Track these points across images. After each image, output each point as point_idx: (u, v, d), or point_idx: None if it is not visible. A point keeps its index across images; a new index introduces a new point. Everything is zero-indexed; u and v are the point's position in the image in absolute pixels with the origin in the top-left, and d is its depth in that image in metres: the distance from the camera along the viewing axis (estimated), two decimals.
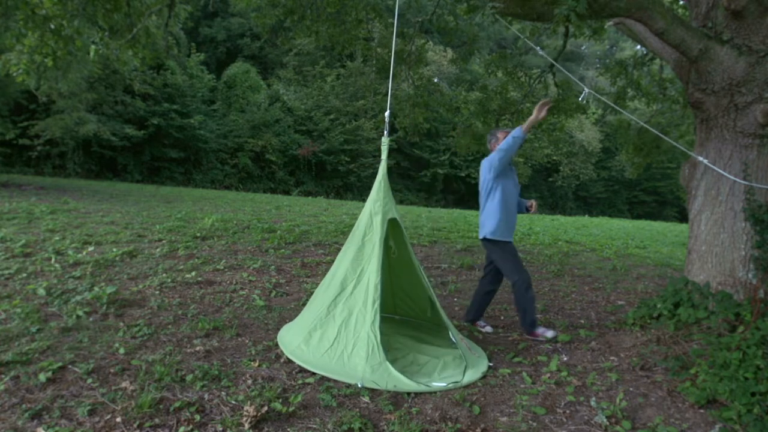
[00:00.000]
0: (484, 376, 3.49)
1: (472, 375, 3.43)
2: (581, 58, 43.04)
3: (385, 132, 3.76)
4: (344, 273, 3.63)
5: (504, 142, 4.04)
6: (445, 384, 3.30)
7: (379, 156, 3.75)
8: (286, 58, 28.59)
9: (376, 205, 3.66)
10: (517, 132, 3.97)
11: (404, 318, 4.54)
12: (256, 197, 16.00)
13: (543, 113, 3.95)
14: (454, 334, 3.78)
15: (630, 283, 6.57)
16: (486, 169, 4.21)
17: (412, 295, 4.39)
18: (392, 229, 3.80)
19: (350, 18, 7.78)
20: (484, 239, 4.25)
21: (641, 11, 3.72)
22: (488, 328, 4.47)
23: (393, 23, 8.87)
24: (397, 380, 3.19)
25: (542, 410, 3.04)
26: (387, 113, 3.88)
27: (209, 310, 4.34)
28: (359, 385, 3.13)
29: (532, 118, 3.95)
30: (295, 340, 3.62)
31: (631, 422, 2.92)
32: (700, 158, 4.02)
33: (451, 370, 3.50)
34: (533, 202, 4.57)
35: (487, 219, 4.22)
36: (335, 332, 3.45)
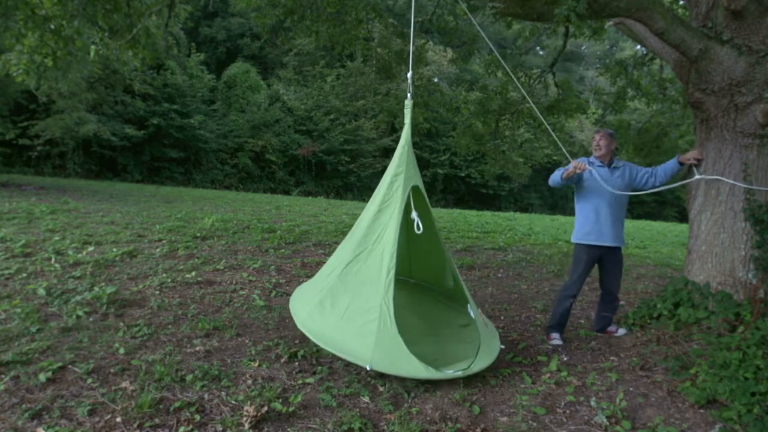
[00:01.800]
0: (494, 362, 3.45)
1: (482, 362, 3.35)
2: (581, 58, 43.05)
3: (409, 94, 3.66)
4: (359, 239, 3.45)
5: (552, 177, 4.24)
6: (452, 372, 3.22)
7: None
8: (286, 58, 28.57)
9: (398, 171, 3.47)
10: (556, 174, 4.19)
11: (418, 282, 4.43)
12: (256, 197, 16.00)
13: (579, 169, 4.03)
14: (473, 308, 3.67)
15: (630, 283, 6.57)
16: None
17: (431, 265, 4.25)
18: (415, 197, 3.56)
19: (350, 18, 7.77)
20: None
21: (641, 11, 3.72)
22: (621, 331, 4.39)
23: (393, 23, 8.88)
24: (409, 361, 3.04)
25: (542, 410, 3.04)
26: (409, 74, 3.76)
27: (209, 310, 4.34)
28: (368, 368, 3.01)
29: (570, 169, 4.05)
30: (306, 308, 3.46)
31: (631, 422, 2.92)
32: (698, 175, 4.01)
33: (464, 355, 3.42)
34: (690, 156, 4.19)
35: (575, 223, 4.31)
36: (347, 301, 3.28)
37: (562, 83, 9.18)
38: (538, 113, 5.58)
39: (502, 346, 3.64)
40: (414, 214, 3.46)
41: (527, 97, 5.05)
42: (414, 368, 3.05)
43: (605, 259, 4.25)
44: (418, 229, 3.45)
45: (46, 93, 13.63)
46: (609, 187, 4.08)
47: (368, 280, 3.26)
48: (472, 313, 3.68)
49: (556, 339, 4.24)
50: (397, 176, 3.46)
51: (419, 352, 3.28)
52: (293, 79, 27.73)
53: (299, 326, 3.38)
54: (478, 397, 3.19)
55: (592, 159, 4.23)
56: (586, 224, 4.18)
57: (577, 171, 4.00)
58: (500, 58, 5.23)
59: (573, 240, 4.27)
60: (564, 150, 4.35)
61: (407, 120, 3.58)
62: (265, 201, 14.38)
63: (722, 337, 3.51)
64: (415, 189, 3.51)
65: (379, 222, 3.41)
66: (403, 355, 3.06)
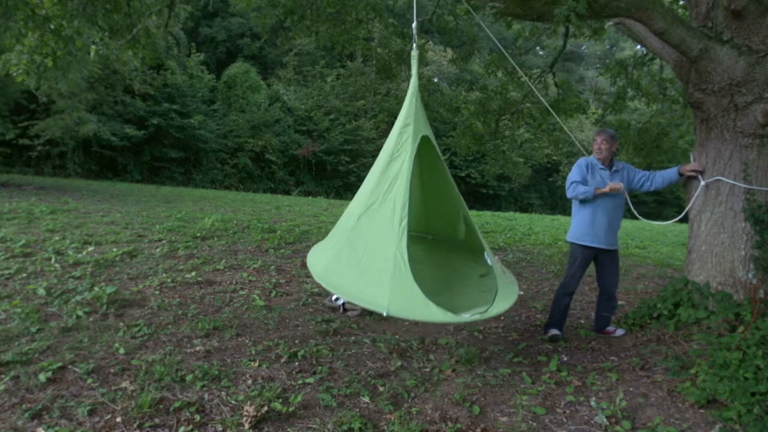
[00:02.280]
0: (511, 307, 3.45)
1: (499, 307, 3.33)
2: (581, 58, 43.03)
3: (414, 44, 3.67)
4: (370, 190, 3.44)
5: (577, 188, 4.14)
6: (469, 315, 3.21)
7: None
8: (286, 58, 28.57)
9: (406, 122, 3.44)
10: (588, 194, 4.08)
11: (437, 237, 4.40)
12: (256, 197, 16.00)
13: (614, 189, 4.04)
14: (489, 255, 3.67)
15: (630, 283, 6.57)
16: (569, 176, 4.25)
17: (445, 215, 4.23)
18: (425, 147, 3.53)
19: (350, 18, 7.77)
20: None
21: (641, 11, 3.72)
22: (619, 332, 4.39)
23: (393, 23, 8.88)
24: (425, 306, 3.02)
25: (542, 410, 3.04)
26: (414, 24, 3.73)
27: (209, 310, 4.34)
28: (385, 314, 2.97)
29: (605, 189, 4.04)
30: (323, 262, 3.47)
31: (631, 422, 2.92)
32: (704, 181, 4.00)
33: (482, 302, 3.41)
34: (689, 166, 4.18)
35: (572, 222, 4.32)
36: (362, 252, 3.27)
37: (562, 83, 9.18)
38: (548, 107, 5.57)
39: (521, 293, 3.63)
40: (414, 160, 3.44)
41: (534, 90, 5.04)
42: (431, 313, 3.01)
43: (600, 258, 4.26)
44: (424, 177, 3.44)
45: (46, 93, 13.60)
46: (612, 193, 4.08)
47: (381, 230, 3.25)
48: (489, 261, 3.66)
49: (553, 331, 4.27)
50: (407, 127, 3.43)
51: (438, 303, 3.24)
52: (293, 79, 27.72)
53: (317, 279, 3.38)
54: (478, 397, 3.19)
55: (593, 160, 4.21)
56: (582, 226, 4.19)
57: (613, 192, 4.04)
58: (505, 54, 5.21)
59: (568, 239, 4.31)
60: (578, 144, 4.36)
61: (414, 71, 3.57)
62: (265, 201, 14.38)
63: (722, 337, 3.51)
64: (425, 139, 3.48)
65: (389, 172, 3.38)
66: (420, 301, 3.03)
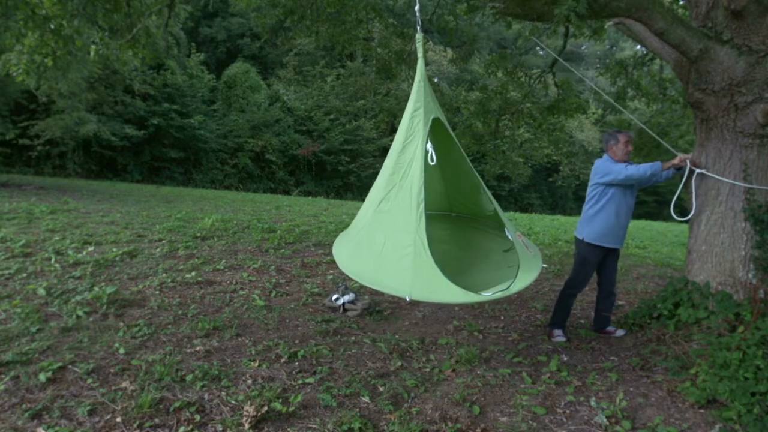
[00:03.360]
0: (534, 281, 3.43)
1: (522, 282, 3.32)
2: (581, 58, 43.01)
3: (418, 27, 3.66)
4: (387, 178, 3.45)
5: (641, 168, 3.96)
6: (491, 293, 3.20)
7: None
8: (286, 58, 28.57)
9: (416, 106, 3.44)
10: (656, 167, 3.93)
11: (460, 215, 4.38)
12: (256, 197, 16.00)
13: (684, 162, 3.99)
14: (510, 231, 3.64)
15: (630, 283, 6.57)
16: (599, 174, 4.11)
17: (466, 192, 4.22)
18: (437, 128, 3.52)
19: (350, 18, 7.77)
20: (575, 238, 4.28)
21: (641, 11, 3.72)
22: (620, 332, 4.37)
23: (393, 23, 8.88)
24: (447, 288, 3.02)
25: (542, 410, 3.04)
26: (417, 6, 3.70)
27: (209, 310, 4.34)
28: (407, 299, 2.99)
29: (675, 161, 3.99)
30: (347, 251, 3.53)
31: (631, 422, 2.92)
32: (698, 170, 4.01)
33: (505, 276, 3.40)
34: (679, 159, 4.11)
35: (586, 223, 4.18)
36: (382, 239, 3.30)
37: (562, 83, 9.18)
38: (584, 74, 5.56)
39: (545, 265, 3.60)
40: (428, 146, 3.39)
41: (556, 59, 5.02)
42: (453, 294, 3.02)
43: (607, 258, 4.25)
44: (432, 160, 3.39)
45: (46, 93, 13.60)
46: (632, 188, 4.08)
47: (400, 216, 3.26)
48: (510, 236, 3.63)
49: (559, 336, 4.25)
50: (417, 111, 3.43)
51: (464, 282, 3.26)
52: (293, 79, 27.72)
53: (342, 269, 3.43)
54: (478, 397, 3.19)
55: (610, 158, 4.14)
56: (605, 226, 4.07)
57: (682, 164, 3.98)
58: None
59: (588, 240, 4.12)
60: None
61: (420, 54, 3.57)
62: (265, 201, 14.38)
63: (722, 337, 3.51)
64: (436, 121, 3.47)
65: (404, 158, 3.39)
66: (441, 283, 3.03)
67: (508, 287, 3.25)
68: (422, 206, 3.19)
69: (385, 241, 3.29)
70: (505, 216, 3.81)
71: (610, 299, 4.38)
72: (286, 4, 7.32)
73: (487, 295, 3.19)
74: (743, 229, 3.85)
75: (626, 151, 4.10)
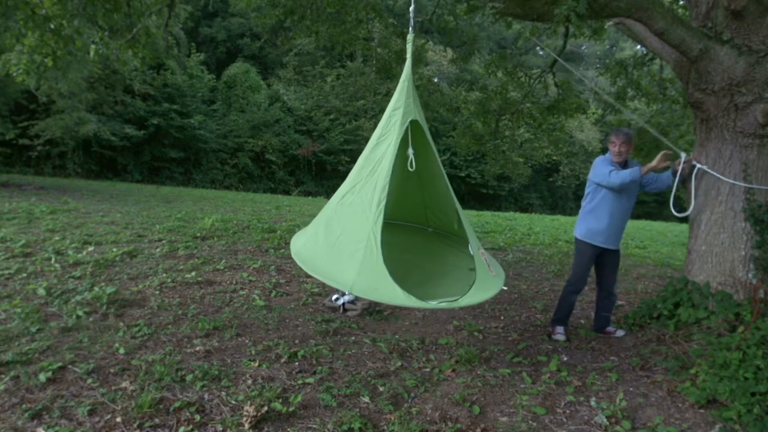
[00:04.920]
0: (487, 300, 3.42)
1: (473, 297, 3.29)
2: (581, 58, 43.00)
3: (410, 28, 3.67)
4: (356, 173, 3.46)
5: (621, 175, 3.91)
6: (436, 302, 3.18)
7: None
8: (286, 58, 28.57)
9: (396, 105, 3.44)
10: (635, 174, 3.88)
11: (436, 230, 4.39)
12: (256, 197, 16.00)
13: (662, 162, 3.95)
14: (473, 247, 3.61)
15: (630, 283, 6.57)
16: (593, 171, 4.12)
17: (441, 207, 4.23)
18: (414, 132, 3.50)
19: (350, 18, 7.77)
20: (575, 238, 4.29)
21: (641, 11, 3.72)
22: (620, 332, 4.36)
23: (393, 23, 8.88)
24: (391, 288, 3.02)
25: (542, 410, 3.04)
26: (411, 7, 3.69)
27: (209, 310, 4.34)
28: (347, 292, 3.00)
29: (653, 164, 3.93)
30: (302, 239, 3.54)
31: (631, 422, 2.92)
32: (699, 165, 4.02)
33: (457, 290, 3.38)
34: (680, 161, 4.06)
35: (580, 220, 4.23)
36: (339, 231, 3.32)
37: (562, 83, 9.18)
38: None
39: (504, 288, 3.55)
40: (409, 151, 3.43)
41: (556, 59, 5.01)
42: (394, 295, 3.01)
43: (605, 258, 4.24)
44: (411, 167, 3.41)
45: (46, 93, 13.61)
46: (627, 189, 3.99)
47: (360, 211, 3.27)
48: (471, 251, 3.60)
49: (560, 333, 4.26)
50: (396, 110, 3.43)
51: (422, 292, 3.26)
52: (293, 79, 27.73)
53: (293, 256, 3.44)
54: (478, 397, 3.19)
55: (608, 157, 4.09)
56: (597, 225, 4.10)
57: (660, 165, 3.92)
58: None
59: (579, 236, 4.19)
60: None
61: (408, 55, 3.58)
62: (265, 201, 14.38)
63: (722, 337, 3.51)
64: (414, 123, 3.46)
65: (374, 155, 3.40)
66: (386, 283, 3.03)
67: (456, 300, 3.23)
68: (382, 204, 3.20)
69: (341, 234, 3.30)
70: (471, 231, 3.78)
71: (610, 299, 4.37)
72: (286, 4, 7.32)
73: (433, 303, 3.15)
74: (743, 229, 3.85)
75: (616, 152, 4.04)
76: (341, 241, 3.28)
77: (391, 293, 3.01)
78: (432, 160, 3.72)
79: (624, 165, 4.09)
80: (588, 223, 4.15)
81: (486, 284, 3.42)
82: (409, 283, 3.32)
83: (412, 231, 4.19)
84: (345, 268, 3.14)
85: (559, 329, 4.29)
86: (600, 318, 4.42)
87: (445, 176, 3.75)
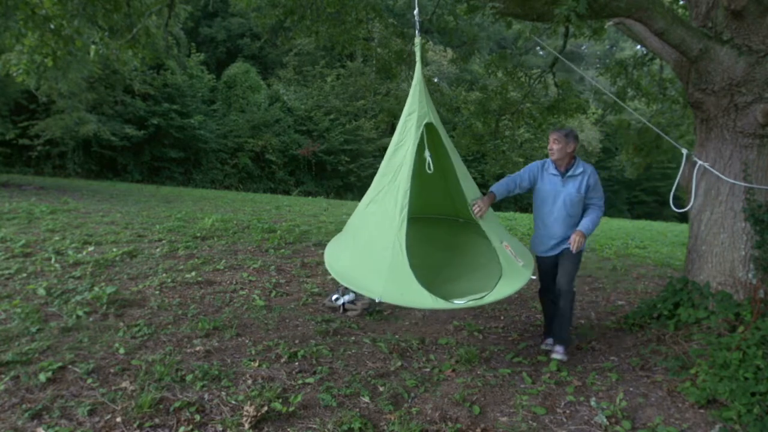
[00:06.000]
0: (515, 293, 3.40)
1: (500, 292, 3.28)
2: (581, 58, 42.99)
3: (417, 32, 3.69)
4: (377, 181, 3.51)
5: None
6: (464, 302, 3.21)
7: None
8: (286, 58, 28.57)
9: (410, 110, 3.45)
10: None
11: (467, 221, 4.31)
12: (256, 197, 16.00)
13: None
14: (495, 241, 3.53)
15: (630, 283, 6.57)
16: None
17: (465, 201, 4.28)
18: (430, 134, 3.49)
19: (350, 18, 7.77)
20: None
21: (641, 11, 3.72)
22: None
23: (393, 23, 8.88)
24: (418, 293, 3.05)
25: (542, 410, 3.04)
26: (416, 11, 3.69)
27: (209, 310, 4.34)
28: (377, 300, 3.05)
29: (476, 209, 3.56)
30: (333, 250, 3.63)
31: (631, 422, 2.92)
32: (700, 162, 4.02)
33: (488, 284, 3.39)
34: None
35: None
36: (365, 240, 3.39)
37: (562, 83, 9.18)
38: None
39: (533, 277, 3.52)
40: (426, 154, 3.42)
41: (558, 57, 5.01)
42: (422, 299, 3.04)
43: (559, 259, 3.83)
44: (429, 169, 3.42)
45: (46, 93, 13.60)
46: (560, 196, 3.72)
47: (384, 219, 3.31)
48: (494, 244, 3.55)
49: (547, 342, 3.99)
50: (410, 115, 3.44)
51: (456, 289, 3.32)
52: (293, 79, 27.73)
53: (327, 266, 3.53)
54: (478, 397, 3.19)
55: (549, 161, 3.81)
56: (535, 233, 3.98)
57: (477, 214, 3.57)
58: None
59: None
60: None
61: (418, 58, 3.61)
62: (265, 201, 14.38)
63: (722, 337, 3.51)
64: (429, 126, 3.47)
65: (394, 162, 3.42)
66: (413, 287, 3.07)
67: (483, 297, 3.24)
68: (405, 211, 3.23)
69: (367, 243, 3.36)
70: (496, 223, 3.78)
71: (562, 303, 3.79)
72: (286, 4, 7.31)
73: (459, 303, 3.19)
74: (743, 229, 3.85)
75: (549, 149, 3.78)
76: (368, 249, 3.32)
77: (419, 298, 3.05)
78: (451, 159, 3.71)
79: (564, 165, 3.74)
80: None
81: (513, 276, 3.42)
82: (439, 280, 3.34)
83: (442, 224, 4.20)
84: (374, 276, 3.18)
85: (546, 341, 4.03)
86: (550, 329, 4.03)
87: (466, 172, 3.76)
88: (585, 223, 3.71)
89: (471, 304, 3.20)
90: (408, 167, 3.31)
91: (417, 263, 3.31)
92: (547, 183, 3.81)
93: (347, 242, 3.59)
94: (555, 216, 3.78)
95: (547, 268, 3.91)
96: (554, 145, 3.71)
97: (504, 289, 3.32)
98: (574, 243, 3.63)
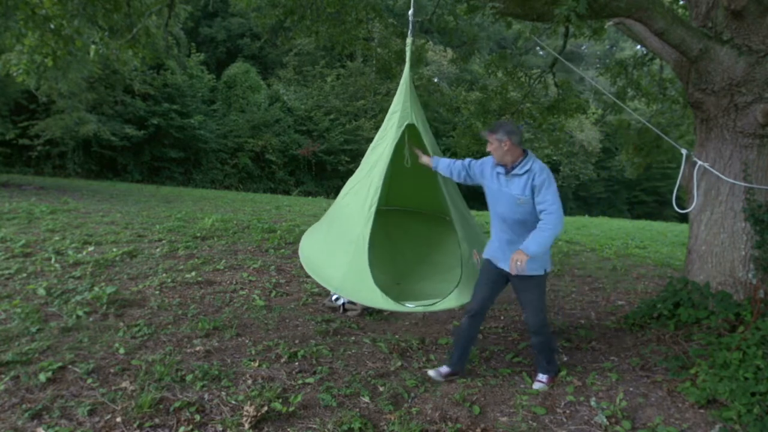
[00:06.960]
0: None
1: (451, 301, 3.26)
2: (581, 58, 42.98)
3: (410, 32, 3.73)
4: (356, 173, 3.57)
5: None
6: (413, 306, 3.23)
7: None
8: (286, 58, 28.57)
9: (394, 109, 3.50)
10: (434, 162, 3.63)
11: (452, 219, 4.38)
12: (256, 197, 16.00)
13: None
14: (465, 248, 3.48)
15: (630, 283, 6.57)
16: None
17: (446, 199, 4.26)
18: (411, 135, 3.50)
19: (350, 18, 7.77)
20: None
21: (641, 11, 3.72)
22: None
23: (393, 23, 8.88)
24: (371, 290, 3.09)
25: (542, 410, 3.04)
26: (410, 12, 3.71)
27: (209, 310, 4.34)
28: (332, 292, 3.13)
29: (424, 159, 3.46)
30: (308, 238, 3.68)
31: (631, 422, 2.92)
32: (700, 162, 4.02)
33: (441, 290, 3.41)
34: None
35: None
36: (335, 232, 3.44)
37: (562, 83, 9.18)
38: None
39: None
40: (405, 151, 3.50)
41: (557, 58, 5.02)
42: (373, 297, 3.10)
43: (512, 283, 3.34)
44: (407, 164, 3.49)
45: (46, 93, 13.60)
46: (503, 197, 3.21)
47: (354, 213, 3.35)
48: (461, 249, 3.49)
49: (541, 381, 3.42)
50: (393, 114, 3.50)
51: (425, 289, 3.38)
52: (293, 79, 27.73)
53: (299, 253, 3.59)
54: (478, 397, 3.19)
55: (491, 159, 3.33)
56: (491, 235, 3.42)
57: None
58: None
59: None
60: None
61: (407, 58, 3.65)
62: (265, 201, 14.38)
63: (722, 337, 3.51)
64: (410, 127, 3.48)
65: (372, 157, 3.48)
66: (367, 285, 3.12)
67: (434, 303, 3.24)
68: (374, 207, 3.26)
69: (338, 234, 3.40)
70: (470, 231, 3.74)
71: (534, 340, 3.40)
72: (286, 4, 7.31)
73: (410, 306, 3.20)
74: (743, 229, 3.86)
75: (488, 149, 3.27)
76: (337, 241, 3.37)
77: (371, 295, 3.10)
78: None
79: (513, 162, 3.17)
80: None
81: (468, 289, 3.35)
82: (415, 276, 3.35)
83: (430, 220, 4.23)
84: (335, 268, 3.24)
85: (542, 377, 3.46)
86: (536, 359, 3.52)
87: (443, 183, 3.73)
88: (527, 241, 3.06)
89: (420, 309, 3.22)
90: (383, 164, 3.34)
91: (393, 256, 3.35)
92: (493, 181, 3.29)
93: (321, 231, 3.64)
94: (503, 218, 3.26)
95: (490, 276, 3.33)
96: (489, 147, 3.22)
97: (454, 299, 3.26)
98: (513, 264, 3.04)
